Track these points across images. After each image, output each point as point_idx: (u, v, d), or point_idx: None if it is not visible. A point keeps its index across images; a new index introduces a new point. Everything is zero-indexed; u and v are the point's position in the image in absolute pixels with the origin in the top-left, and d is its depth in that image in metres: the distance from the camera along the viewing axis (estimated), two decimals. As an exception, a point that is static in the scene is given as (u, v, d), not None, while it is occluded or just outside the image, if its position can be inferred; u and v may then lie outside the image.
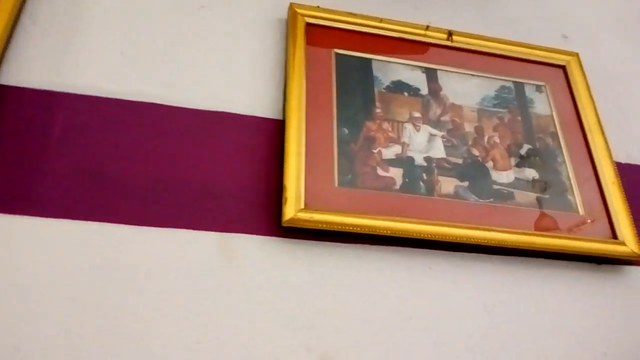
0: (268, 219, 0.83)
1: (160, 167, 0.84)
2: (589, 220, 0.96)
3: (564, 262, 0.94)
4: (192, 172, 0.85)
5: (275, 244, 0.82)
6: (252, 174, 0.87)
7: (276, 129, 0.91)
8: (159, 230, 0.80)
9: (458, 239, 0.88)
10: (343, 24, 1.06)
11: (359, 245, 0.86)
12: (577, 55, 1.15)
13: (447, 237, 0.87)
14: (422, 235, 0.86)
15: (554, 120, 1.07)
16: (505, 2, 1.26)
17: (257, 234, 0.82)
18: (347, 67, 1.02)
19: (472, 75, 1.08)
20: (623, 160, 1.09)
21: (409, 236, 0.86)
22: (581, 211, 0.97)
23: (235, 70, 0.97)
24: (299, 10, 1.04)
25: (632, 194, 1.04)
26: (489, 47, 1.12)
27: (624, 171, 1.06)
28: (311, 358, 0.75)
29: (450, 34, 1.10)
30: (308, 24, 1.04)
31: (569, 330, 0.87)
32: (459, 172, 0.96)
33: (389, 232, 0.85)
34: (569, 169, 1.01)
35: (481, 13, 1.22)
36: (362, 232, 0.85)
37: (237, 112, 0.93)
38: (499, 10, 1.24)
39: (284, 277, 0.80)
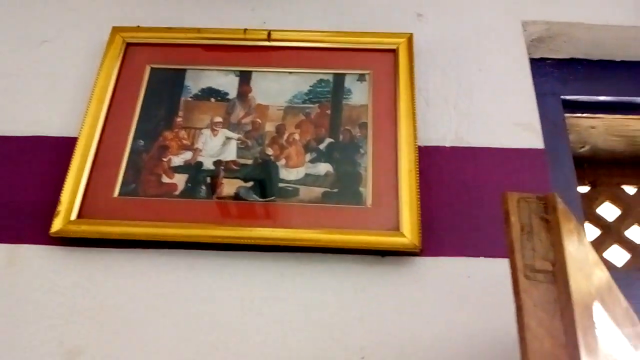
0: (46, 231, 0.95)
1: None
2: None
3: (348, 256, 0.93)
4: (-5, 193, 1.00)
5: (50, 252, 0.94)
6: (45, 191, 0.99)
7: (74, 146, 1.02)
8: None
9: (220, 239, 0.92)
10: (161, 39, 1.13)
11: (132, 250, 0.94)
12: (407, 36, 1.10)
13: (209, 238, 0.92)
14: (183, 237, 0.92)
15: (367, 110, 1.04)
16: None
17: (37, 244, 0.95)
18: (159, 80, 1.09)
19: (290, 72, 1.09)
20: (448, 144, 1.03)
21: (171, 239, 0.92)
22: (369, 203, 0.95)
23: (56, 97, 1.10)
24: (120, 33, 1.13)
25: (442, 179, 0.99)
26: (310, 41, 1.11)
27: (448, 154, 1.01)
28: (61, 351, 0.86)
29: (269, 34, 1.12)
30: (129, 44, 1.13)
31: (341, 323, 0.88)
32: (245, 173, 0.99)
33: (151, 236, 0.93)
34: (369, 160, 0.99)
35: (324, 7, 1.20)
36: (128, 238, 0.93)
37: (51, 134, 1.05)
38: (348, 1, 1.21)
39: (52, 281, 0.92)
